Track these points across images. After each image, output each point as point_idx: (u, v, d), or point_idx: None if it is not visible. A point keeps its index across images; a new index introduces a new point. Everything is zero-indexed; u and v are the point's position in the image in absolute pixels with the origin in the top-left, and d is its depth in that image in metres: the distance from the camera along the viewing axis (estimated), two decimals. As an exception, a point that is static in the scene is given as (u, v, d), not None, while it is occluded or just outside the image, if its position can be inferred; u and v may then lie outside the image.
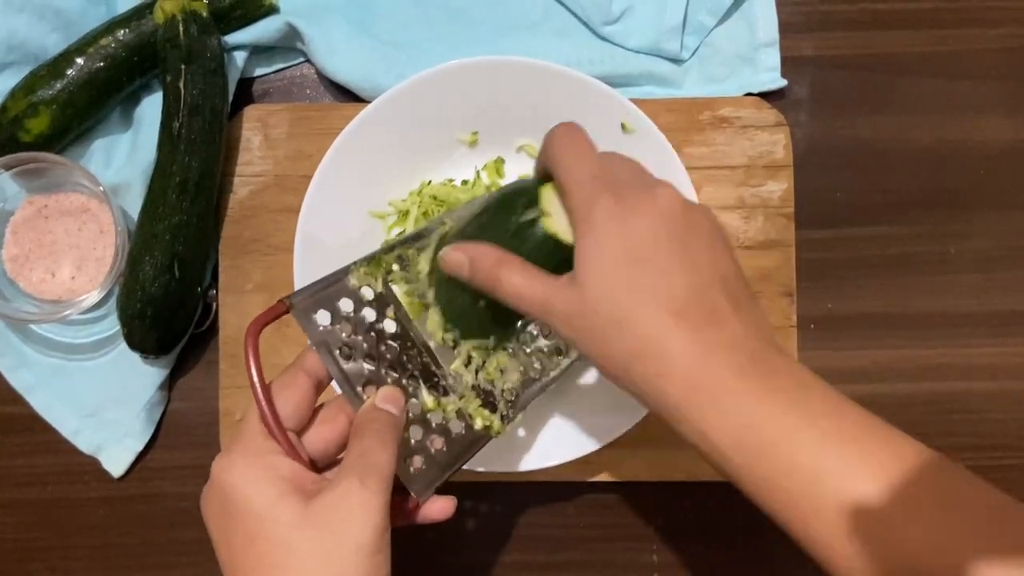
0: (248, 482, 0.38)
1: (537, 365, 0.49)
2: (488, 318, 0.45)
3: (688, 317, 0.38)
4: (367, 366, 0.43)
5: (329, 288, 0.43)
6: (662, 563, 0.60)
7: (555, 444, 0.55)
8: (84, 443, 0.60)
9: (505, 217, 0.42)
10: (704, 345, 0.37)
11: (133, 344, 0.57)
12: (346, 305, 0.43)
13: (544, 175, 0.43)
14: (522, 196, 0.42)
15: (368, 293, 0.45)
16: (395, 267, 0.46)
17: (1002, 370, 0.60)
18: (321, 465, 0.42)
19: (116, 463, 0.60)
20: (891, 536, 0.35)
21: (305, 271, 0.54)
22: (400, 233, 0.57)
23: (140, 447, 0.60)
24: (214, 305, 0.60)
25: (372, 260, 0.45)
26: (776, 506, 0.37)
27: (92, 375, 0.60)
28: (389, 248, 0.46)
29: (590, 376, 0.57)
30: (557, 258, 0.41)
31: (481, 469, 0.54)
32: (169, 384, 0.61)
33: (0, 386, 0.60)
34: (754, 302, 0.40)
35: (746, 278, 0.41)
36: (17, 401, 0.60)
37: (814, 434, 0.36)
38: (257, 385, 0.39)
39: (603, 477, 0.58)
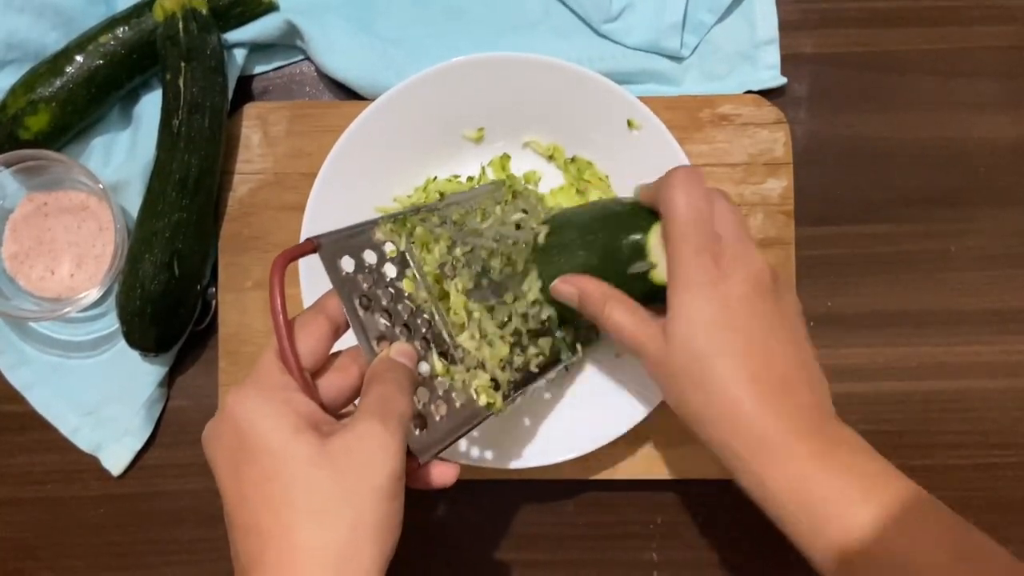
0: (264, 416, 0.37)
1: (539, 359, 0.50)
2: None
3: (763, 384, 0.42)
4: (383, 321, 0.43)
5: (356, 237, 0.43)
6: (662, 562, 0.60)
7: (560, 440, 0.55)
8: (83, 441, 0.60)
9: (615, 260, 0.47)
10: (774, 409, 0.41)
11: (132, 342, 0.57)
12: (369, 257, 0.43)
13: (650, 205, 0.46)
14: (630, 237, 0.46)
15: (391, 249, 0.45)
16: (418, 229, 0.46)
17: (1002, 368, 0.60)
18: (330, 413, 0.41)
19: (115, 461, 0.60)
20: None
21: (309, 266, 0.54)
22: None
23: (139, 445, 0.60)
24: (213, 303, 0.60)
25: (398, 219, 0.45)
26: (826, 563, 0.40)
27: (91, 373, 0.60)
28: (415, 210, 0.47)
29: (596, 374, 0.57)
30: (663, 295, 0.44)
31: (489, 459, 0.54)
32: (168, 382, 0.61)
33: (-1, 384, 0.60)
34: (823, 383, 0.44)
35: (818, 363, 0.45)
36: (16, 399, 0.60)
37: (869, 507, 0.39)
38: (280, 318, 0.39)
39: (603, 475, 0.58)
